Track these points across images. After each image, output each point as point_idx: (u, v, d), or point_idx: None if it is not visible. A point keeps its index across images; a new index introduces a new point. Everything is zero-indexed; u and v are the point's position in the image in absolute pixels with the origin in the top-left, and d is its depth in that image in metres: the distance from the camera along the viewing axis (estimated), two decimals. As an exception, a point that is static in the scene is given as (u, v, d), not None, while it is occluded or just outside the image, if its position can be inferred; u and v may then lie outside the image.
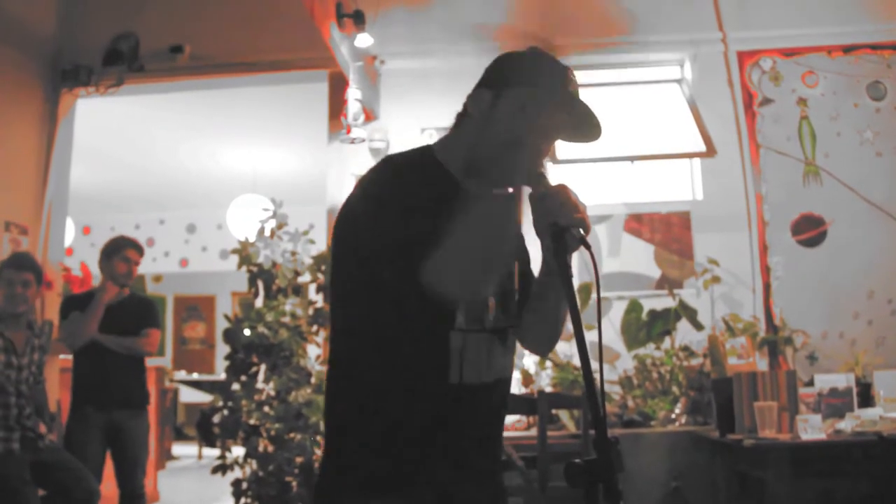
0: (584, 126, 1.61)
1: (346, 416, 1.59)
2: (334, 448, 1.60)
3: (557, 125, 1.59)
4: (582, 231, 1.43)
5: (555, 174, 5.11)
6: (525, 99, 1.57)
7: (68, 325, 4.40)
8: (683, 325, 4.95)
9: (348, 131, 4.95)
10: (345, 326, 1.62)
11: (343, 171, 5.34)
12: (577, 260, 4.95)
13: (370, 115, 5.27)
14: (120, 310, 4.47)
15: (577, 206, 1.44)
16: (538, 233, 1.50)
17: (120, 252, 4.51)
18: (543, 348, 1.80)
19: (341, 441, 1.58)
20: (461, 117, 1.66)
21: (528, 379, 4.78)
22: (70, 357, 4.55)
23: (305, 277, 5.00)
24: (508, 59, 1.66)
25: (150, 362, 4.89)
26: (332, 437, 1.61)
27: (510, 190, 1.47)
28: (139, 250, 4.60)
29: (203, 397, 10.43)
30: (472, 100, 1.63)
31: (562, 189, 1.46)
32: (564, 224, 1.43)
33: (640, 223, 5.27)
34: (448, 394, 1.53)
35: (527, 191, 1.52)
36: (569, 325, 1.44)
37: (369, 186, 1.55)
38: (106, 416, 4.33)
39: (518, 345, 1.76)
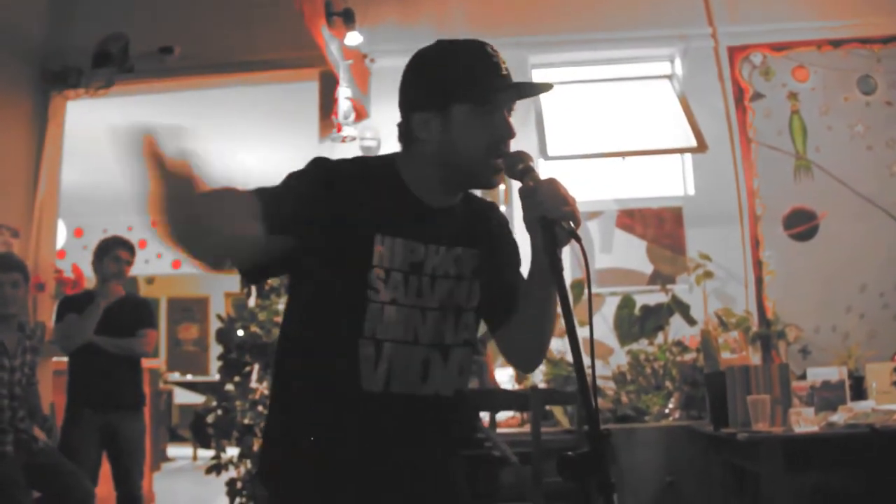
0: (533, 89, 1.61)
1: (277, 404, 1.65)
2: (270, 437, 1.66)
3: (508, 96, 1.56)
4: (572, 224, 1.42)
5: (545, 170, 5.12)
6: (472, 107, 1.52)
7: (63, 326, 4.38)
8: (676, 321, 4.96)
9: (339, 130, 4.94)
10: (283, 325, 1.68)
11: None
12: (568, 257, 4.95)
13: (361, 114, 5.26)
14: (115, 311, 4.44)
15: (567, 198, 1.43)
16: (528, 227, 1.49)
17: (111, 252, 4.50)
18: (529, 360, 1.74)
19: (272, 432, 1.65)
20: (408, 141, 1.59)
21: (521, 375, 4.78)
22: (65, 359, 4.53)
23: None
24: (428, 72, 1.58)
25: (145, 363, 4.87)
26: (269, 425, 1.67)
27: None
28: (130, 249, 4.58)
29: (197, 399, 10.41)
30: (419, 126, 1.55)
31: (551, 182, 1.45)
32: (554, 217, 1.41)
33: (631, 219, 5.28)
34: (364, 400, 1.52)
35: (516, 185, 1.52)
36: (561, 322, 1.43)
37: (321, 162, 1.57)
38: (102, 417, 4.31)
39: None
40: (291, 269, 1.58)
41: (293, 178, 1.52)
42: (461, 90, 1.53)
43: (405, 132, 1.60)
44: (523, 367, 1.81)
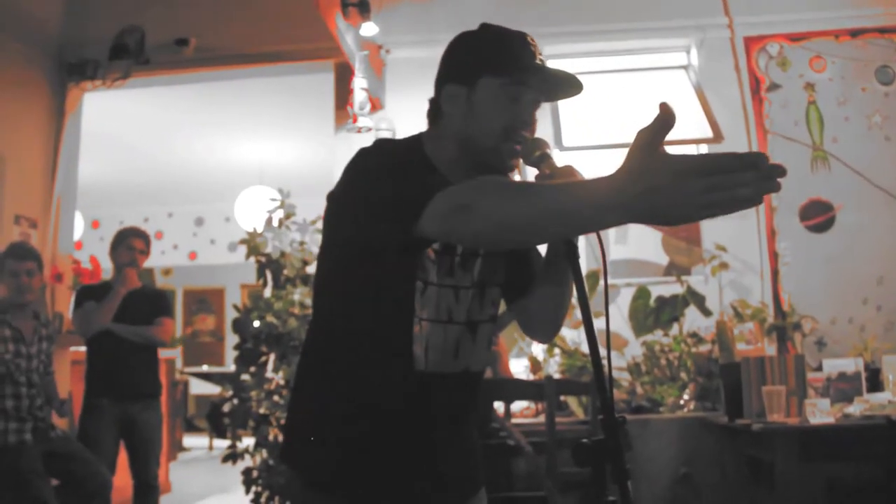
0: (562, 84, 1.58)
1: (310, 392, 1.64)
2: (298, 419, 1.66)
3: (537, 92, 1.57)
4: None
5: (560, 161, 5.10)
6: (499, 82, 1.53)
7: (83, 313, 4.42)
8: (691, 312, 4.94)
9: (354, 121, 4.94)
10: (323, 307, 1.66)
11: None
12: (583, 247, 4.95)
13: (376, 105, 5.27)
14: (132, 301, 4.49)
15: None
16: None
17: (124, 241, 4.57)
18: (546, 334, 1.76)
19: (303, 415, 1.64)
20: (435, 116, 1.62)
21: (536, 366, 4.79)
22: (82, 349, 4.58)
23: (314, 267, 5.01)
24: (465, 46, 1.61)
25: (162, 354, 4.91)
26: (297, 408, 1.67)
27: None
28: (144, 239, 4.63)
29: (213, 389, 10.47)
30: (446, 99, 1.59)
31: (567, 169, 1.46)
32: None
33: (647, 210, 5.25)
34: (411, 380, 1.53)
35: (533, 172, 1.52)
36: (577, 313, 1.43)
37: (361, 160, 1.54)
38: (119, 407, 4.35)
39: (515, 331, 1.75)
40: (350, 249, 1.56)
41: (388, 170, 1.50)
42: (491, 63, 1.55)
43: (434, 107, 1.63)
44: (540, 338, 1.82)
